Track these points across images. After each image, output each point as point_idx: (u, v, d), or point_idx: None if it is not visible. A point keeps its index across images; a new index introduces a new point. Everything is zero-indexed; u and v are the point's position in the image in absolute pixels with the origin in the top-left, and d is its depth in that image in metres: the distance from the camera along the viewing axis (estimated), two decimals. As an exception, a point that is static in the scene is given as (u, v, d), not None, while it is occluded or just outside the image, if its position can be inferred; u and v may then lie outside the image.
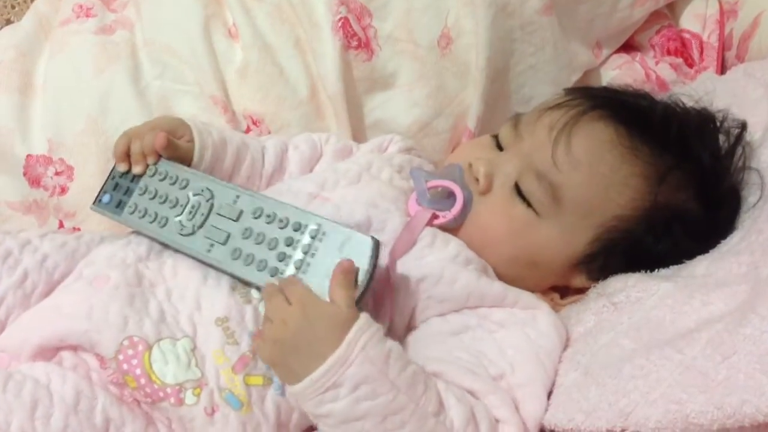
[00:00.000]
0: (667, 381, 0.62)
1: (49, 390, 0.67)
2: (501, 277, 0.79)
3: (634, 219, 0.78)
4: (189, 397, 0.69)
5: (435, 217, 0.78)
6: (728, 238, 0.78)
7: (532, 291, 0.79)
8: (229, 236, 0.76)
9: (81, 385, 0.68)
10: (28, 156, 0.93)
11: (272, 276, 0.72)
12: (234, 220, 0.76)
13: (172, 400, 0.68)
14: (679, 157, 0.79)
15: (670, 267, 0.78)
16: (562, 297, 0.82)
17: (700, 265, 0.75)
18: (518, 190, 0.78)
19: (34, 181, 0.93)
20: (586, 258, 0.79)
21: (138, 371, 0.68)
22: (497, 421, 0.68)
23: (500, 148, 0.83)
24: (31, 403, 0.65)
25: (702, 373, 0.60)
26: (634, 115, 0.81)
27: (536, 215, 0.78)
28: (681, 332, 0.66)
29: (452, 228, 0.79)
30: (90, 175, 0.93)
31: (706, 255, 0.77)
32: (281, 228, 0.74)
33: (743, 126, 0.85)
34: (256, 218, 0.76)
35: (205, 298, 0.73)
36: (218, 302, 0.73)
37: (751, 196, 0.82)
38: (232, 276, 0.75)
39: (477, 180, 0.80)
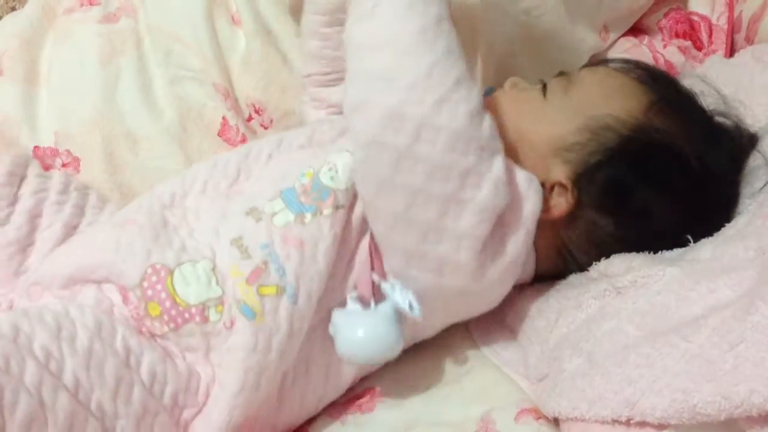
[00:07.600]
0: (673, 370, 0.61)
1: (70, 317, 0.69)
2: None
3: (626, 125, 0.80)
4: (213, 315, 0.71)
5: None
6: (733, 222, 0.77)
7: None
8: None
9: (100, 316, 0.70)
10: (35, 148, 0.93)
11: None
12: None
13: (198, 318, 0.71)
14: (685, 109, 0.84)
15: (674, 249, 0.77)
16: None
17: (705, 249, 0.74)
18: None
19: (42, 173, 0.93)
20: (572, 146, 0.80)
21: (163, 295, 0.71)
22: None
23: None
24: (55, 324, 0.67)
25: (709, 361, 0.59)
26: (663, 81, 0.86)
27: (542, 97, 0.83)
28: (687, 319, 0.65)
29: None
30: (96, 166, 0.93)
31: (711, 238, 0.76)
32: None
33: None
34: None
35: (223, 226, 0.76)
36: (233, 226, 0.75)
37: (757, 181, 0.81)
38: None
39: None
